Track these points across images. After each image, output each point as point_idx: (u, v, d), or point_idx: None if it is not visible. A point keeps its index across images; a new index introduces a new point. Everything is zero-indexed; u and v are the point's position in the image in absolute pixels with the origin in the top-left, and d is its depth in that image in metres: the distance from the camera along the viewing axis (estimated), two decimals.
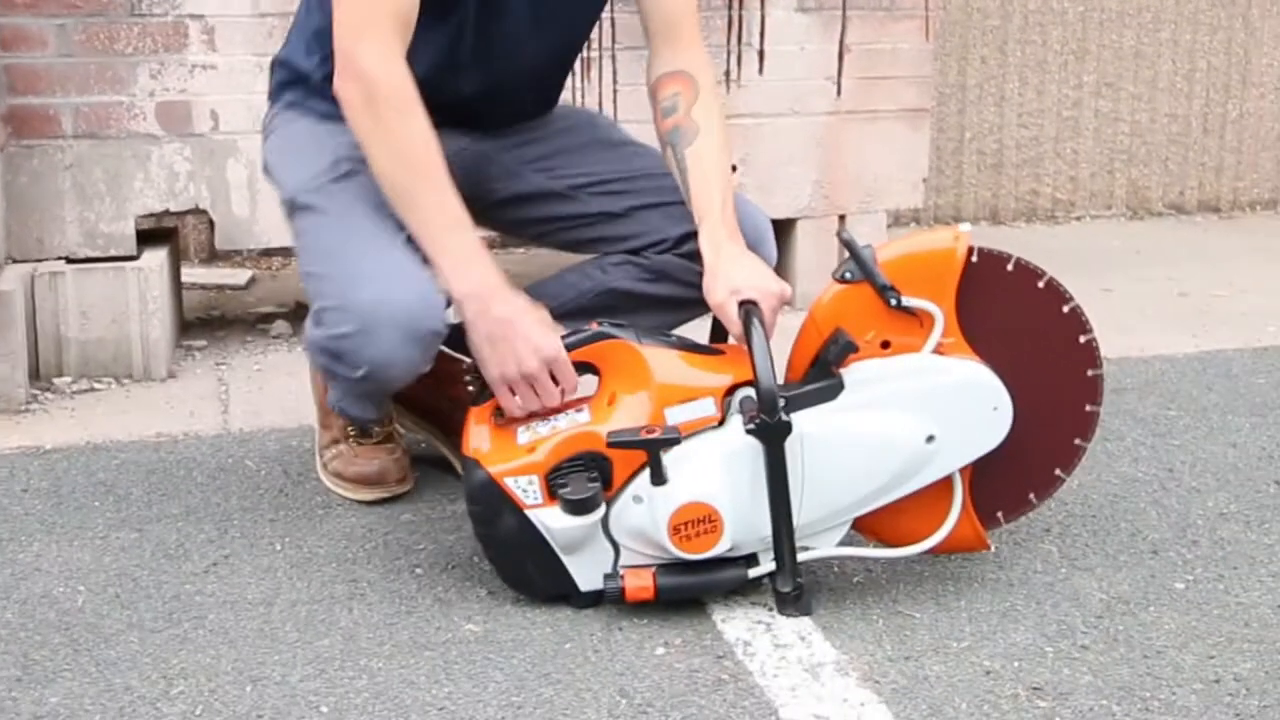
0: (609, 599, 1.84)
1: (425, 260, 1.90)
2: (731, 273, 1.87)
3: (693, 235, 2.00)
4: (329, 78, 1.93)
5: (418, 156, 1.86)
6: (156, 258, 2.93)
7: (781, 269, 3.45)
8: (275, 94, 2.17)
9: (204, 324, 3.30)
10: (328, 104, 2.01)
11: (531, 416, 1.87)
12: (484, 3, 2.01)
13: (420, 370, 1.94)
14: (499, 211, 2.19)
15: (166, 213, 2.98)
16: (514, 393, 1.85)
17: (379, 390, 2.05)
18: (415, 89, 1.87)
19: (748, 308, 1.83)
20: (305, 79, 2.10)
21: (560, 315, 2.10)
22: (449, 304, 1.89)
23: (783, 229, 3.47)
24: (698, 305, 1.99)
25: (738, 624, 1.84)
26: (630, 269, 2.13)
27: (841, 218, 3.47)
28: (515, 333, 1.83)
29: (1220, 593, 1.94)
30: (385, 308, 1.86)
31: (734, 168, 3.38)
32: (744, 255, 1.91)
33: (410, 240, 1.91)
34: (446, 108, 2.00)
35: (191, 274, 3.62)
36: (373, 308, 1.86)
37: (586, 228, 2.16)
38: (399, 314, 1.86)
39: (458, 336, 1.90)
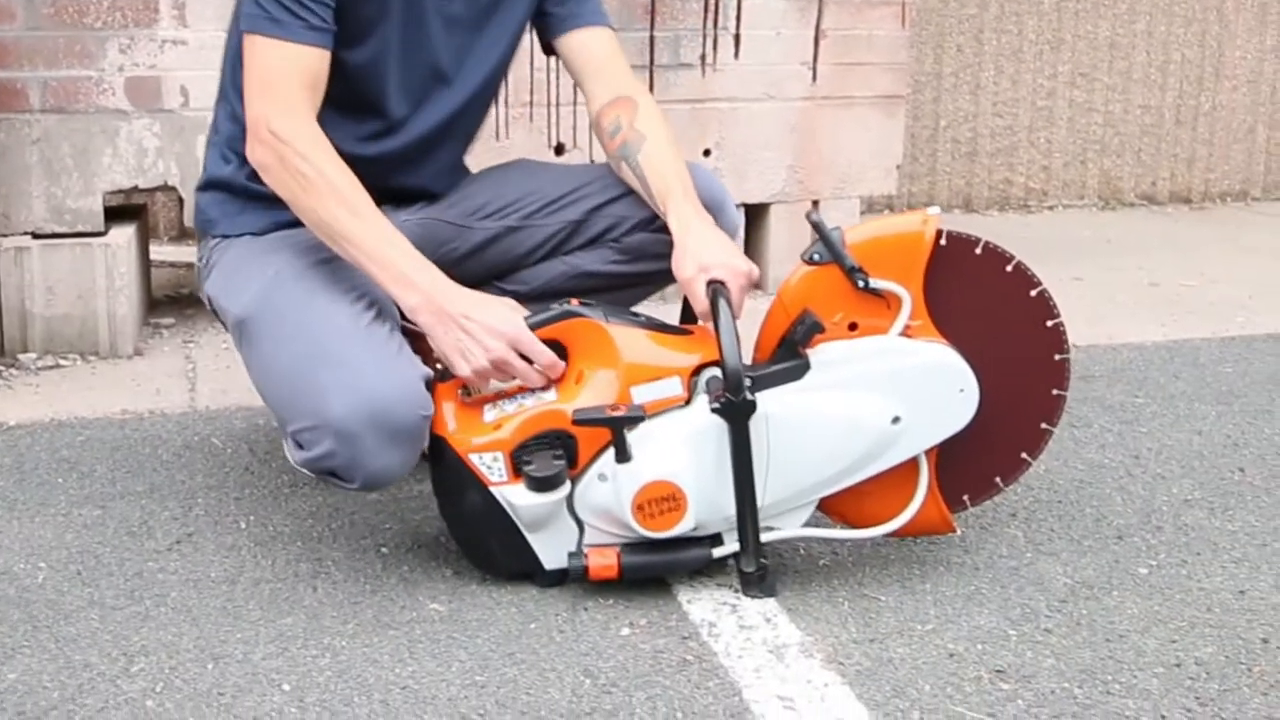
0: (573, 577, 1.84)
1: (393, 334, 1.85)
2: (700, 250, 1.87)
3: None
4: (251, 175, 1.97)
5: (339, 192, 1.86)
6: (124, 234, 2.91)
7: (754, 253, 3.47)
8: (204, 227, 2.12)
9: (173, 302, 3.28)
10: (255, 213, 2.03)
11: (499, 395, 1.87)
12: (404, 40, 2.00)
13: (415, 461, 1.84)
14: (464, 269, 2.11)
15: (135, 189, 2.96)
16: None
17: (384, 487, 1.91)
18: (324, 137, 1.88)
19: (715, 287, 1.82)
20: (227, 185, 2.08)
21: (533, 299, 2.10)
22: (428, 380, 1.82)
23: (756, 214, 3.47)
24: (672, 275, 1.99)
25: (703, 605, 1.84)
26: (605, 251, 2.12)
27: (815, 203, 3.47)
28: (473, 324, 1.81)
29: (1183, 578, 1.95)
30: (358, 415, 1.74)
31: (707, 152, 3.39)
32: (713, 232, 1.92)
33: (378, 316, 1.87)
34: (380, 176, 2.02)
35: (160, 251, 3.61)
36: (346, 419, 1.74)
37: (556, 246, 2.14)
38: (374, 416, 1.75)
39: None
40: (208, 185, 2.11)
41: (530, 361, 1.83)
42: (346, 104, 1.97)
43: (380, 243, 1.85)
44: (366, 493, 2.07)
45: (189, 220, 2.99)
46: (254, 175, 1.98)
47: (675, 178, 1.99)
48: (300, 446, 1.82)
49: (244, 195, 2.04)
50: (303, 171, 1.86)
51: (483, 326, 1.81)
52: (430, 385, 1.82)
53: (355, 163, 1.92)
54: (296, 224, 1.92)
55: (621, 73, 2.12)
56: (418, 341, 1.90)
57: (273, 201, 1.92)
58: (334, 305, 1.86)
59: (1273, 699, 1.64)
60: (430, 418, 1.80)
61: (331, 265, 1.91)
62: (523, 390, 1.86)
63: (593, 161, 3.26)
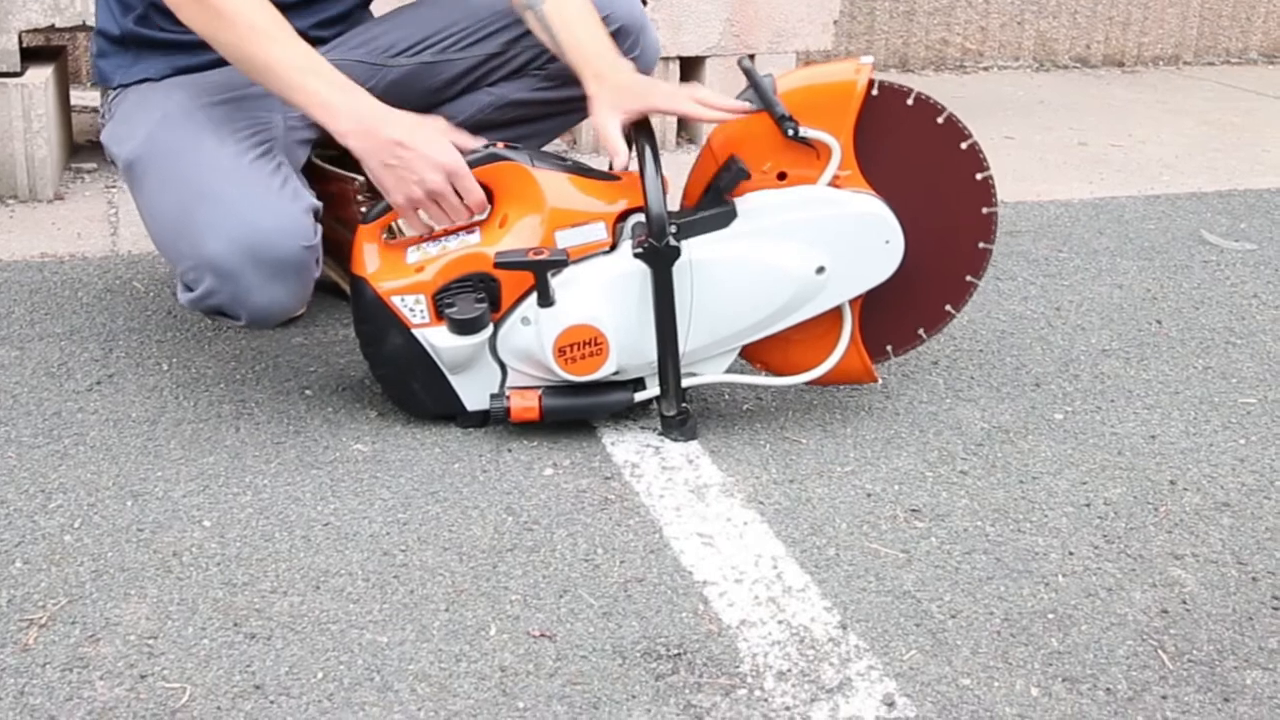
0: (494, 419, 1.85)
1: (279, 170, 1.81)
2: (618, 98, 1.81)
3: None
4: (139, 20, 1.95)
5: (254, 21, 1.80)
6: (42, 75, 2.83)
7: None
8: (102, 81, 2.06)
9: (95, 146, 3.19)
10: (149, 60, 1.97)
11: (423, 237, 1.85)
12: None
13: (306, 294, 1.83)
14: None
15: (53, 28, 2.87)
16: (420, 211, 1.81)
17: (275, 323, 1.92)
18: None
19: (640, 133, 1.80)
20: (116, 37, 2.02)
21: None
22: (316, 211, 1.80)
23: (692, 66, 3.43)
24: None
25: (627, 447, 1.85)
26: (529, 80, 2.08)
27: (751, 57, 3.43)
28: (412, 152, 1.76)
29: (1097, 423, 1.99)
30: (235, 250, 1.74)
31: (644, 1, 3.34)
32: (630, 74, 1.86)
33: (266, 153, 1.82)
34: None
35: (83, 96, 3.51)
36: (223, 255, 1.74)
37: (478, 79, 2.09)
38: (252, 250, 1.74)
39: (346, 154, 1.85)
40: (99, 38, 2.06)
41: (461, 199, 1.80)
42: None
43: (302, 72, 1.80)
44: (258, 329, 2.09)
45: None
46: (141, 20, 1.95)
47: (588, 32, 1.90)
48: (188, 288, 1.81)
49: (135, 44, 1.99)
50: (215, 6, 1.80)
51: (420, 156, 1.76)
52: (319, 216, 1.80)
53: None
54: (193, 69, 1.88)
55: None
56: (326, 185, 1.86)
57: (167, 47, 1.88)
58: (219, 145, 1.82)
59: (1177, 536, 1.69)
60: (314, 248, 1.78)
61: (225, 106, 1.87)
62: (448, 232, 1.84)
63: None
